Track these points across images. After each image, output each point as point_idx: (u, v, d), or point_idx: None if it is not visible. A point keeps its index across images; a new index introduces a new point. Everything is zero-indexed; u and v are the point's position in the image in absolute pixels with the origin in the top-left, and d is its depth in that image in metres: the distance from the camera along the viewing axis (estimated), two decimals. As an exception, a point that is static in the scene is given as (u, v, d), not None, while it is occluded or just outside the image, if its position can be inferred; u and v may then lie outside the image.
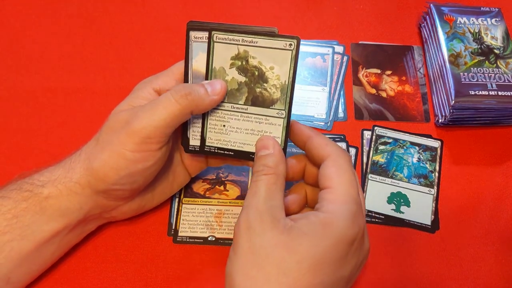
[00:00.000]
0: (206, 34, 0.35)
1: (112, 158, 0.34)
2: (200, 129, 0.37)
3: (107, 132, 0.35)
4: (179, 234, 0.42)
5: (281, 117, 0.36)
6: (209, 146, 0.38)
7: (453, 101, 0.46)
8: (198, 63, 0.36)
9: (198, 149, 0.38)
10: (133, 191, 0.37)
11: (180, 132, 0.39)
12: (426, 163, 0.47)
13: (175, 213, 0.43)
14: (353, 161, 0.46)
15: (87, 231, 0.40)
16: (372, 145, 0.48)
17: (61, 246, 0.38)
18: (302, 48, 0.53)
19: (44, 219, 0.35)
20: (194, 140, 0.38)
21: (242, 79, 0.36)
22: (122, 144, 0.34)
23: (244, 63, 0.36)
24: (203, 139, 0.38)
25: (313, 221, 0.30)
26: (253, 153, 0.37)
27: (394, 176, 0.46)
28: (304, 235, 0.29)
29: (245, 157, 0.37)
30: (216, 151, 0.38)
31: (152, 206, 0.41)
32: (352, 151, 0.47)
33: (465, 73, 0.47)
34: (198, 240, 0.42)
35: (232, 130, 0.37)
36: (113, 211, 0.39)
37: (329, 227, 0.29)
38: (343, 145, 0.47)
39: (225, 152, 0.38)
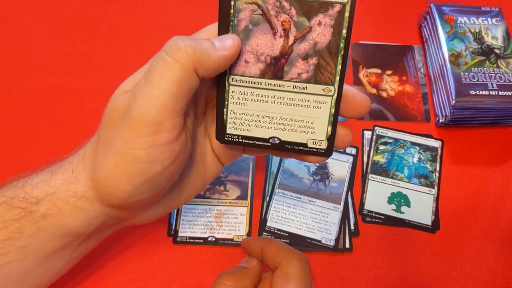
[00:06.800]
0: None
1: (120, 165, 0.26)
2: (223, 113, 0.29)
3: (107, 126, 0.28)
4: (179, 234, 0.42)
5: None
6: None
7: (453, 101, 0.46)
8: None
9: (219, 138, 0.30)
10: (154, 197, 0.29)
11: (203, 112, 0.32)
12: (427, 163, 0.47)
13: (175, 213, 0.43)
14: (353, 161, 0.46)
15: (104, 237, 0.34)
16: (373, 145, 0.48)
17: (74, 257, 0.33)
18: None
19: (44, 238, 0.30)
20: (217, 127, 0.30)
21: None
22: (127, 143, 0.26)
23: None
24: (223, 125, 0.30)
25: None
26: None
27: (394, 176, 0.46)
28: None
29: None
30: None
31: (180, 205, 0.35)
32: (353, 151, 0.47)
33: (466, 73, 0.47)
34: (198, 241, 0.42)
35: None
36: (132, 219, 0.32)
37: None
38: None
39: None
